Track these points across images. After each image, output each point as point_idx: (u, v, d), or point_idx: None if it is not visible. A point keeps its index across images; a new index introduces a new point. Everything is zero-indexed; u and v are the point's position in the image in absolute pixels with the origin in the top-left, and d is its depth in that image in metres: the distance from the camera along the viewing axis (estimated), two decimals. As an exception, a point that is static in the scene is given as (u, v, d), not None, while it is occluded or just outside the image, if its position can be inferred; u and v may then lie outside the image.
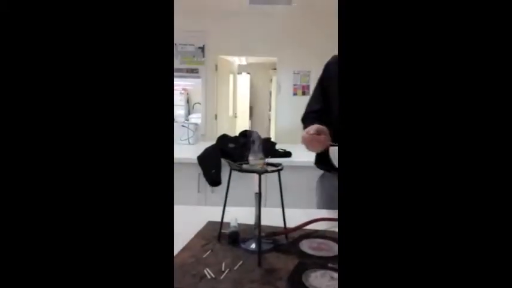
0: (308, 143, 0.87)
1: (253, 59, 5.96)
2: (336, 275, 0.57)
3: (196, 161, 2.14)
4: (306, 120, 1.04)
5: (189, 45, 4.05)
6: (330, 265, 0.60)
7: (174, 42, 3.96)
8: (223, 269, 0.59)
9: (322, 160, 1.06)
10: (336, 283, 0.54)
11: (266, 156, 0.72)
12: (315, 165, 1.09)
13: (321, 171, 1.10)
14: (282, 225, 0.76)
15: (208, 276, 0.57)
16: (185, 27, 3.69)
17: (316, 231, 0.78)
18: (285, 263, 0.61)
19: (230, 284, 0.54)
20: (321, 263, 0.61)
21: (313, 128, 0.84)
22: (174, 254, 0.65)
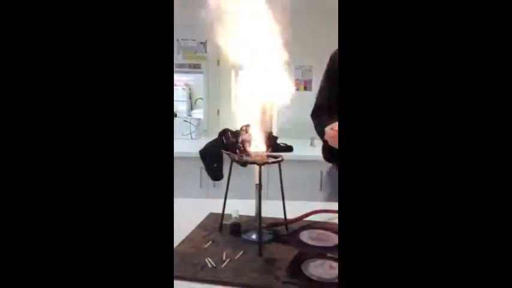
0: (333, 138, 0.89)
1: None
2: (334, 264, 0.58)
3: (198, 156, 2.15)
4: (316, 113, 1.05)
5: (191, 40, 4.04)
6: (329, 255, 0.61)
7: (176, 37, 3.95)
8: (224, 258, 0.60)
9: (333, 155, 1.06)
10: (334, 272, 0.55)
11: (267, 149, 0.73)
12: (324, 159, 1.11)
13: (327, 165, 1.11)
14: (283, 217, 0.77)
15: (209, 265, 0.58)
16: (187, 22, 3.68)
17: (316, 222, 0.79)
18: (285, 253, 0.62)
19: (231, 273, 0.55)
20: (320, 252, 0.62)
21: (337, 124, 0.86)
22: (176, 245, 0.66)
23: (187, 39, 4.02)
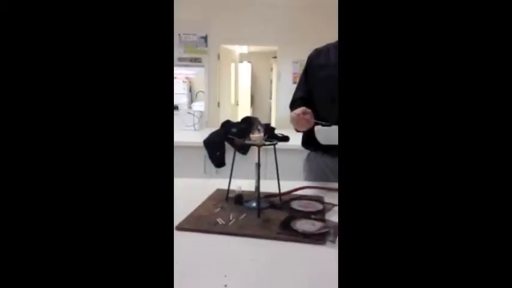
0: (296, 122, 1.02)
1: (254, 48, 6.06)
2: (316, 222, 0.75)
3: (201, 145, 2.32)
4: (292, 106, 1.21)
5: (192, 34, 4.17)
6: (312, 216, 0.78)
7: (178, 32, 4.08)
8: (231, 218, 0.77)
9: (308, 142, 1.25)
10: (315, 227, 0.72)
11: (264, 136, 0.89)
12: (302, 147, 1.29)
13: (306, 152, 1.29)
14: (278, 192, 0.94)
15: (220, 223, 0.75)
16: (188, 17, 3.81)
17: (305, 195, 0.96)
18: (278, 216, 0.79)
19: (236, 227, 0.72)
20: (306, 215, 0.79)
21: (300, 109, 1.00)
22: (192, 211, 0.83)
23: (189, 34, 4.16)
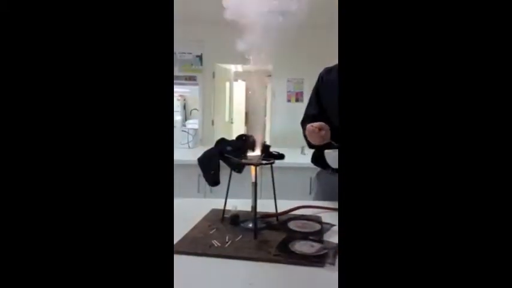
0: (310, 134, 1.04)
1: (249, 67, 6.11)
2: (314, 243, 0.73)
3: (195, 163, 2.29)
4: (303, 123, 1.22)
5: (188, 53, 4.22)
6: (310, 237, 0.76)
7: (173, 50, 4.11)
8: (226, 240, 0.75)
9: (318, 159, 1.23)
10: (314, 249, 0.70)
11: (261, 155, 0.88)
12: (311, 163, 1.27)
13: (308, 170, 1.28)
14: (275, 212, 0.92)
15: (215, 245, 0.72)
16: (184, 36, 3.86)
17: (302, 215, 0.94)
18: (276, 237, 0.77)
19: (233, 250, 0.70)
20: (304, 236, 0.77)
21: (317, 123, 1.02)
22: (186, 232, 0.80)
23: (184, 53, 4.20)
